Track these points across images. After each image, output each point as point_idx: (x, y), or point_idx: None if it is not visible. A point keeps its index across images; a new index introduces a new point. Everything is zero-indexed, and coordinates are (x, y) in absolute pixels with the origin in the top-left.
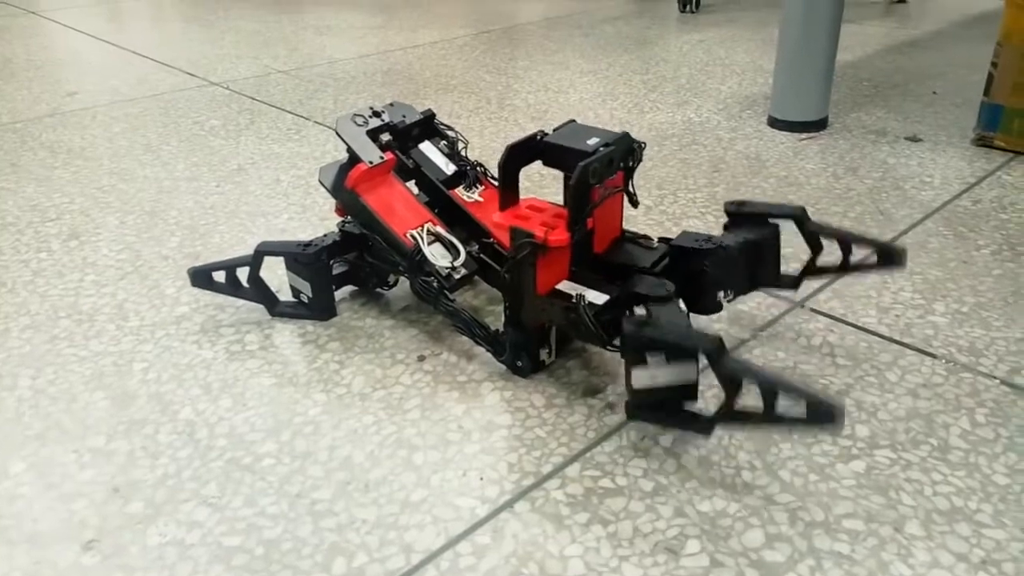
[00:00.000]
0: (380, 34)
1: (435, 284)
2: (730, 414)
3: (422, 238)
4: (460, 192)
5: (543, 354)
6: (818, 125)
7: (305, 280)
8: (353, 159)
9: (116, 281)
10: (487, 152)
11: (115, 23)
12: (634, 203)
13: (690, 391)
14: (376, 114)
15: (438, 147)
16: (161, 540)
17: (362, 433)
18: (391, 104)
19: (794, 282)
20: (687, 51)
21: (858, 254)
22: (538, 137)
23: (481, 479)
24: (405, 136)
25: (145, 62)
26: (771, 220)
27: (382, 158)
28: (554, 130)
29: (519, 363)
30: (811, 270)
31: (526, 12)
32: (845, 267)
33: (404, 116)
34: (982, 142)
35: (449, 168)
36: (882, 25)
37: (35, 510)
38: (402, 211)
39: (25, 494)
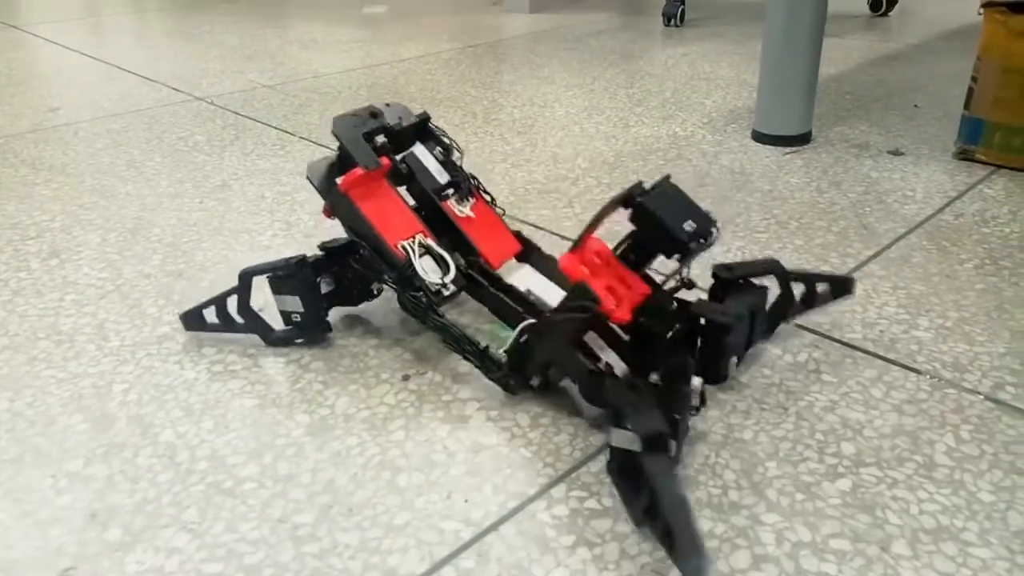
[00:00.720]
0: (365, 48)
1: (424, 299)
2: (644, 514)
3: (413, 250)
4: (452, 204)
5: (535, 380)
6: (802, 139)
7: (293, 295)
8: (346, 161)
9: (97, 300)
10: (472, 167)
11: (98, 37)
12: (689, 286)
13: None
14: (374, 115)
15: (433, 153)
16: (139, 568)
17: (345, 455)
18: (387, 104)
19: (766, 335)
20: (672, 65)
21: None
22: (635, 195)
23: (466, 501)
24: (400, 139)
25: (128, 77)
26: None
27: (378, 164)
28: (652, 188)
29: (511, 382)
30: (785, 317)
31: (512, 26)
32: (809, 304)
33: (400, 118)
34: (963, 156)
35: (443, 177)
36: (864, 38)
37: (10, 537)
38: (394, 220)
39: (0, 521)
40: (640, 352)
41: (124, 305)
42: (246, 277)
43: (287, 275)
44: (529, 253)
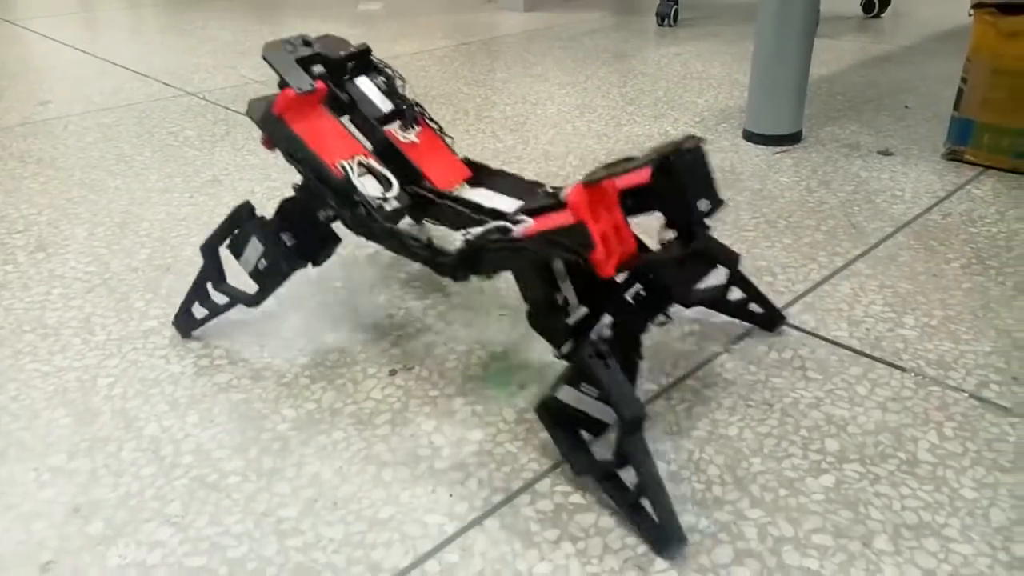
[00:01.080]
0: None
1: (363, 211)
2: (605, 476)
3: (352, 168)
4: (395, 132)
5: (482, 277)
6: (792, 139)
7: (250, 243)
8: (282, 87)
9: (83, 294)
10: None
11: (91, 32)
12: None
13: (596, 428)
14: (307, 43)
15: (375, 83)
16: (121, 562)
17: (331, 449)
18: (325, 36)
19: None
20: (664, 64)
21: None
22: (670, 157)
23: (450, 495)
24: (339, 69)
25: (120, 71)
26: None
27: (312, 86)
28: (686, 150)
29: (458, 273)
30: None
31: (506, 24)
32: (728, 311)
33: (340, 51)
34: (952, 156)
35: (386, 106)
36: (856, 40)
37: None
38: (332, 141)
39: None
40: (597, 293)
41: (111, 299)
42: (209, 249)
43: (238, 226)
44: (481, 176)
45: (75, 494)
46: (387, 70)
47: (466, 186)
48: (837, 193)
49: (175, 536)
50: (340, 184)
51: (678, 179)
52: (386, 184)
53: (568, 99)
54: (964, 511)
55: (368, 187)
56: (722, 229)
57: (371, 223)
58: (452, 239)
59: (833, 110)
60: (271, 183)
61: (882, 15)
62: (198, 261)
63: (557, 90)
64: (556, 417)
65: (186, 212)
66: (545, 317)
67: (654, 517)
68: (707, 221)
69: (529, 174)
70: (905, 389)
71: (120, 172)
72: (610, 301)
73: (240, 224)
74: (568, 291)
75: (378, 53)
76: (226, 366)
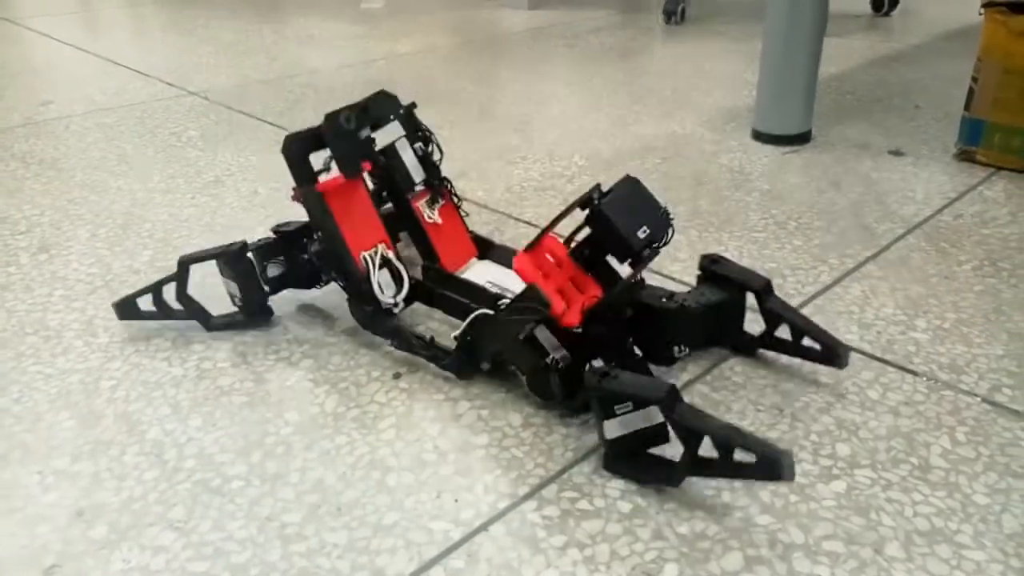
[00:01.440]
0: (362, 44)
1: (370, 311)
2: (693, 462)
3: (374, 263)
4: (423, 208)
5: (485, 365)
6: (801, 138)
7: (232, 280)
8: (324, 144)
9: (86, 296)
10: (468, 163)
11: (92, 31)
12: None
13: (661, 434)
14: (364, 109)
15: (413, 147)
16: (125, 566)
17: (335, 454)
18: (379, 94)
19: (749, 347)
20: (672, 63)
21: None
22: (594, 199)
23: (456, 501)
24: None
25: (122, 71)
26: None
27: (358, 175)
28: (611, 190)
29: (461, 368)
30: (766, 343)
31: (510, 22)
32: (795, 351)
33: (391, 116)
34: (964, 156)
35: (418, 176)
36: (866, 38)
37: None
38: (361, 225)
39: None
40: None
41: (113, 301)
42: (184, 265)
43: (225, 262)
44: (487, 250)
45: (78, 498)
46: (426, 134)
47: (474, 261)
48: (848, 194)
49: (178, 541)
50: (357, 279)
51: (606, 220)
52: (399, 283)
53: (574, 98)
54: (977, 517)
55: (382, 282)
56: (731, 231)
57: (377, 318)
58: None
59: (843, 109)
60: (275, 183)
61: (891, 13)
62: (199, 266)
63: (563, 89)
64: (626, 456)
65: (188, 213)
66: (544, 382)
67: (751, 457)
68: (669, 235)
69: (535, 174)
70: (917, 393)
71: (122, 173)
72: (602, 348)
73: (226, 261)
74: (557, 351)
75: (380, 52)
76: (228, 369)
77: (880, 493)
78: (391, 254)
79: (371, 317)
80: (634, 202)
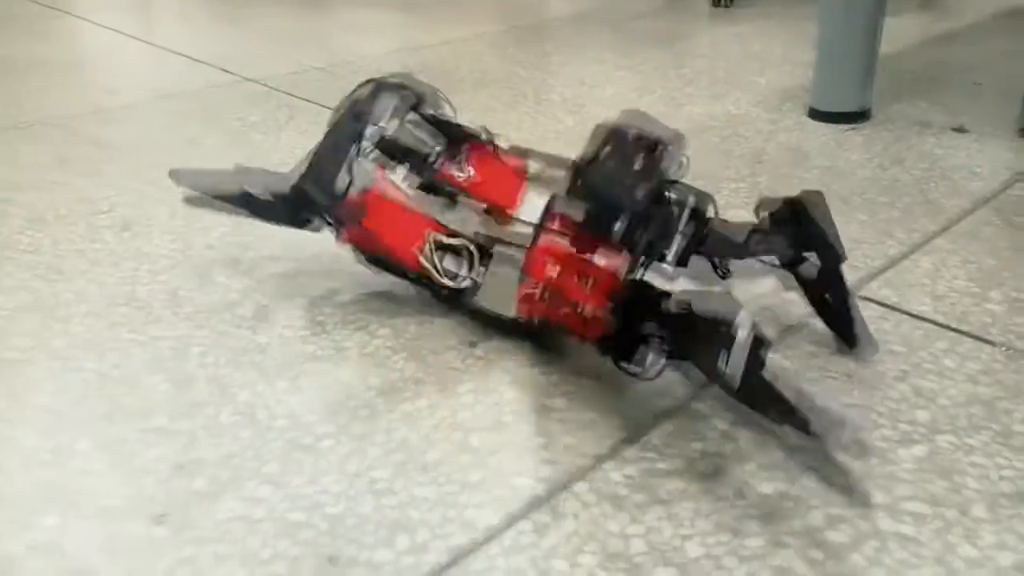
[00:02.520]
0: (411, 31)
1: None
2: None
3: (429, 254)
4: (452, 172)
5: None
6: (861, 116)
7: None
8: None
9: (169, 270)
10: (526, 145)
11: (148, 22)
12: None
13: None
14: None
15: (426, 117)
16: (230, 515)
17: (416, 416)
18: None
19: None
20: (722, 45)
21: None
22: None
23: (537, 460)
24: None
25: (180, 59)
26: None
27: (370, 188)
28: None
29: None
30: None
31: (553, 6)
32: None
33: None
34: None
35: (438, 144)
36: (919, 17)
37: (105, 486)
38: (404, 228)
39: (94, 470)
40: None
41: (194, 274)
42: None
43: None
44: (526, 161)
45: (179, 453)
46: (423, 97)
47: (527, 190)
48: (911, 171)
49: (275, 493)
50: (418, 276)
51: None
52: (467, 256)
53: (625, 81)
54: None
55: (449, 271)
56: None
57: (455, 299)
58: None
59: (901, 88)
60: None
61: None
62: (271, 236)
63: (614, 72)
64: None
65: None
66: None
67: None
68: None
69: None
70: (996, 363)
71: (191, 156)
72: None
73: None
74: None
75: (430, 40)
76: (310, 337)
77: (963, 458)
78: (443, 236)
79: (445, 298)
80: (618, 180)
